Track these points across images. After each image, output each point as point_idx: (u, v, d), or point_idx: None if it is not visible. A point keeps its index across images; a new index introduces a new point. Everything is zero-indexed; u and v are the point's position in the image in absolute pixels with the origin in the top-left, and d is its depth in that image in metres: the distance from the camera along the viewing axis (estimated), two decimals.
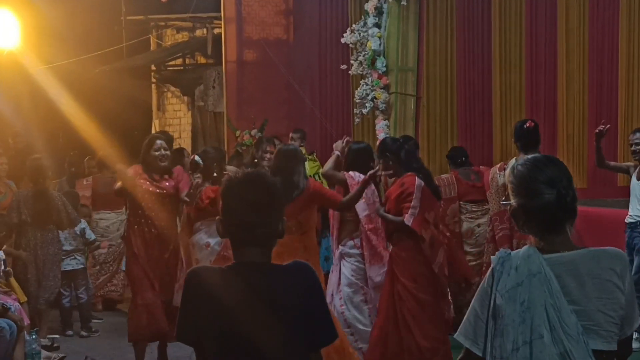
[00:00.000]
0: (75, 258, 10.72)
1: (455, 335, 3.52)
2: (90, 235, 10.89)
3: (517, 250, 3.39)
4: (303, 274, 3.47)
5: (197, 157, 8.45)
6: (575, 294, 3.25)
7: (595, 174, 12.25)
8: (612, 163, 9.88)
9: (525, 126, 8.65)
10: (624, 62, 12.60)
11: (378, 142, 9.50)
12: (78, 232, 10.69)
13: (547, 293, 3.23)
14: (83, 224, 10.81)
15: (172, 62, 19.63)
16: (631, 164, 9.44)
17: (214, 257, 8.11)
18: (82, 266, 10.83)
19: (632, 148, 9.29)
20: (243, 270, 3.39)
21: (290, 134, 11.72)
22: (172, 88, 19.64)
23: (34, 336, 8.54)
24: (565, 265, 3.28)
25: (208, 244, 8.25)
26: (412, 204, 7.89)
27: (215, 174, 8.34)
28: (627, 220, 9.23)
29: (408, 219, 7.85)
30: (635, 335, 7.38)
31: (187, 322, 3.42)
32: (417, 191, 7.92)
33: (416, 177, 8.00)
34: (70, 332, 10.64)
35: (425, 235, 7.92)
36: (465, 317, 3.49)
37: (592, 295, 3.25)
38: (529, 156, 3.58)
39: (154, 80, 19.94)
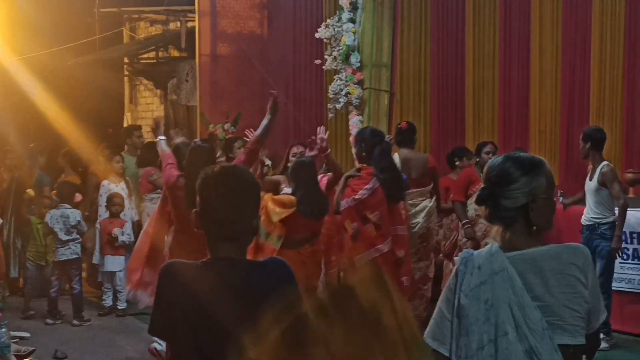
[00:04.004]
0: (69, 248, 10.72)
1: (422, 338, 3.52)
2: (84, 226, 10.90)
3: (480, 250, 3.42)
4: (279, 270, 3.46)
5: None
6: (538, 290, 3.27)
7: (567, 171, 12.30)
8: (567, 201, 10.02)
9: (399, 126, 10.23)
10: (596, 59, 12.65)
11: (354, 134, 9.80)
12: (74, 223, 10.70)
13: (511, 290, 3.25)
14: (78, 215, 10.82)
15: (145, 55, 19.56)
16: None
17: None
18: (76, 256, 10.81)
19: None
20: (218, 265, 3.38)
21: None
22: (145, 81, 19.57)
23: (3, 329, 8.50)
24: (527, 262, 3.30)
25: None
26: (356, 196, 8.48)
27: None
28: (584, 222, 9.29)
29: (343, 204, 8.45)
30: (601, 335, 7.48)
31: (161, 316, 3.40)
32: (365, 190, 8.47)
33: (374, 178, 8.49)
34: (50, 321, 10.69)
35: (350, 227, 8.26)
36: (431, 318, 3.51)
37: (556, 291, 3.27)
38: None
39: (126, 72, 19.86)
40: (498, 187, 3.38)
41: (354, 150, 9.31)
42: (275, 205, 7.93)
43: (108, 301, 11.20)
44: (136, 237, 10.10)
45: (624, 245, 9.63)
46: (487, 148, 10.30)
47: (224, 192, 3.37)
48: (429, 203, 9.71)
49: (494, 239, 3.45)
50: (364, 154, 8.84)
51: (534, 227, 3.37)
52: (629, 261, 9.70)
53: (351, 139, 11.41)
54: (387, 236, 8.69)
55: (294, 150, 8.84)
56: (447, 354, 3.39)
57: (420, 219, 9.58)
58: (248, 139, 8.02)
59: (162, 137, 8.48)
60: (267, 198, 7.94)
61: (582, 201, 9.52)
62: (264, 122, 7.50)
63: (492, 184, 3.41)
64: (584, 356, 3.42)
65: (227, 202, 3.36)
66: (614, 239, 8.96)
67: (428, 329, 3.48)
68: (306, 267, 7.91)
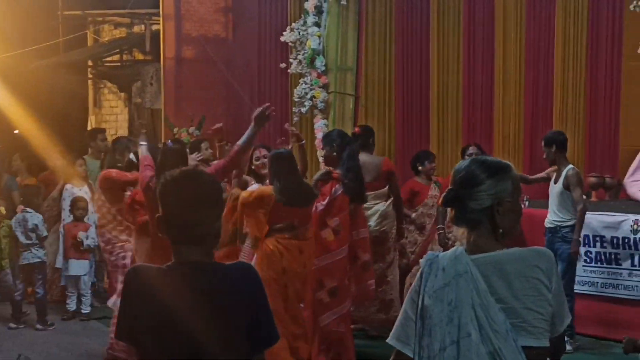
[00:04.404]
0: (31, 252, 10.67)
1: (387, 340, 3.53)
2: (43, 231, 10.83)
3: (445, 252, 3.43)
4: (246, 274, 3.43)
5: (131, 156, 8.38)
6: (502, 293, 3.28)
7: (531, 174, 12.37)
8: (533, 177, 9.99)
9: (353, 132, 10.04)
10: (560, 64, 12.76)
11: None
12: (31, 227, 10.64)
13: (475, 292, 3.26)
14: (37, 219, 10.75)
15: (110, 58, 19.48)
16: (551, 169, 9.57)
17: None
18: (38, 260, 10.75)
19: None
20: (183, 269, 3.35)
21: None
22: (109, 84, 19.49)
23: None
24: (492, 264, 3.31)
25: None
26: (324, 201, 8.47)
27: None
28: (546, 225, 9.37)
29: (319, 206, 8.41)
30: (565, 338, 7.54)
31: (126, 320, 3.38)
32: (330, 197, 8.45)
33: (337, 185, 8.50)
34: (13, 325, 10.64)
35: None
36: (397, 320, 3.52)
37: (520, 293, 3.28)
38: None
39: (90, 75, 19.76)
40: (464, 189, 3.41)
41: (320, 153, 9.32)
42: (254, 219, 7.94)
43: (72, 305, 11.12)
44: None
45: (587, 248, 9.73)
46: (470, 150, 10.39)
47: (185, 196, 3.35)
48: (382, 207, 9.70)
49: (459, 241, 3.47)
50: (334, 154, 8.82)
51: (500, 231, 3.40)
52: (592, 264, 9.78)
53: (317, 142, 11.44)
54: (344, 242, 8.66)
55: (257, 153, 8.81)
56: (411, 355, 3.40)
57: (372, 222, 9.59)
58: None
59: (144, 143, 8.46)
60: (248, 200, 7.93)
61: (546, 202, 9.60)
62: (248, 131, 7.41)
63: (458, 185, 3.43)
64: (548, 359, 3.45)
65: (188, 206, 3.34)
66: (573, 243, 9.03)
67: (393, 330, 3.50)
68: (286, 257, 7.90)
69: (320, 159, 10.04)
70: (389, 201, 9.81)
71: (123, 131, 18.66)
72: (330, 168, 8.77)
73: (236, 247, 8.12)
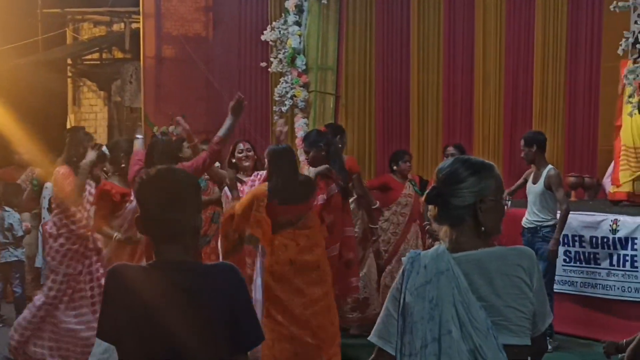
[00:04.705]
0: (8, 250, 10.64)
1: (369, 337, 3.54)
2: (19, 231, 10.78)
3: (427, 250, 3.45)
4: (228, 274, 3.42)
5: (104, 148, 8.34)
6: (483, 291, 3.30)
7: (510, 175, 12.41)
8: (511, 188, 9.96)
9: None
10: (539, 65, 12.82)
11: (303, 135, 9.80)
12: (7, 226, 10.61)
13: (456, 290, 3.27)
14: (13, 218, 10.71)
15: (89, 57, 19.39)
16: (528, 172, 9.61)
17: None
18: (15, 259, 10.73)
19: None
20: (163, 268, 3.35)
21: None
22: (89, 82, 19.40)
23: None
24: (473, 263, 3.33)
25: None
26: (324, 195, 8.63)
27: (123, 165, 8.26)
28: (525, 224, 9.41)
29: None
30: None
31: (108, 320, 3.38)
32: (327, 193, 8.63)
33: (333, 184, 8.71)
34: None
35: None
36: (378, 318, 3.53)
37: (501, 292, 3.30)
38: None
39: (70, 74, 19.67)
40: (447, 187, 3.43)
41: (300, 152, 9.32)
42: (255, 222, 7.90)
43: None
44: None
45: (566, 248, 9.78)
46: (449, 150, 10.42)
47: (160, 194, 3.35)
48: None
49: (442, 239, 3.49)
50: (323, 153, 8.86)
51: (482, 229, 3.42)
52: (571, 264, 9.83)
53: (297, 141, 11.43)
54: (336, 240, 8.71)
55: (240, 146, 8.78)
56: (392, 353, 3.41)
57: None
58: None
59: (140, 136, 8.44)
60: (243, 204, 7.92)
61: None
62: (227, 122, 7.39)
63: (442, 183, 3.45)
64: (529, 358, 3.46)
65: (164, 204, 3.34)
66: (552, 242, 9.06)
67: (375, 327, 3.51)
68: (291, 248, 7.89)
69: (301, 158, 10.03)
70: (353, 199, 9.86)
71: (102, 130, 18.61)
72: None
73: (241, 256, 8.09)
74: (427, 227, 10.08)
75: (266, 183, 7.93)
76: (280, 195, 7.78)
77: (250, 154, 8.66)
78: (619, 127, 10.84)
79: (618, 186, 10.81)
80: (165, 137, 8.13)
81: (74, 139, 8.64)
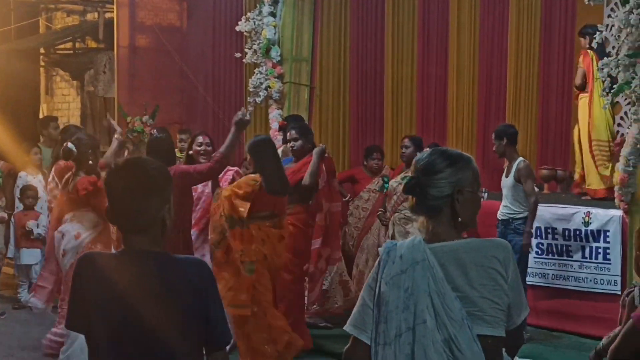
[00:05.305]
0: None
1: (344, 327, 3.54)
2: None
3: (404, 240, 3.46)
4: (199, 268, 3.42)
5: (70, 145, 8.28)
6: (458, 281, 3.33)
7: (484, 168, 12.43)
8: None
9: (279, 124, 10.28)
10: (513, 57, 12.84)
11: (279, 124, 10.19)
12: None
13: (431, 280, 3.29)
14: None
15: (62, 46, 19.27)
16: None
17: (82, 249, 7.96)
18: None
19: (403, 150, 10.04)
20: (132, 257, 3.35)
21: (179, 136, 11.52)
22: (62, 72, 19.29)
23: None
24: (449, 253, 3.36)
25: (79, 234, 8.13)
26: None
27: (90, 162, 8.22)
28: (499, 217, 9.45)
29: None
30: None
31: (77, 309, 3.37)
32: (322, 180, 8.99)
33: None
34: None
35: None
36: (354, 308, 3.53)
37: (476, 283, 3.33)
38: None
39: (42, 63, 19.54)
40: (425, 177, 3.46)
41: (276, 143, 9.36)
42: (238, 199, 7.88)
43: (24, 294, 11.02)
44: None
45: (539, 240, 9.83)
46: (404, 142, 10.46)
47: (127, 183, 3.34)
48: None
49: (418, 230, 3.51)
50: (309, 145, 8.99)
51: (459, 219, 3.44)
52: (544, 256, 9.87)
53: (272, 132, 11.43)
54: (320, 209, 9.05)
55: (200, 139, 8.76)
56: (368, 342, 3.42)
57: None
58: None
59: (118, 137, 8.42)
60: (229, 194, 7.90)
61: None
62: (229, 137, 7.51)
63: (420, 173, 3.49)
64: (504, 350, 3.48)
65: (130, 194, 3.33)
66: (524, 235, 9.12)
67: (350, 317, 3.52)
68: (267, 245, 7.93)
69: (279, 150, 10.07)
70: None
71: (75, 119, 18.51)
72: None
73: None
74: (379, 212, 10.16)
75: (255, 175, 7.95)
76: (272, 185, 7.81)
77: (209, 148, 8.58)
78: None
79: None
80: (162, 133, 8.12)
81: (68, 136, 8.64)
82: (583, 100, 10.62)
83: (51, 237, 8.49)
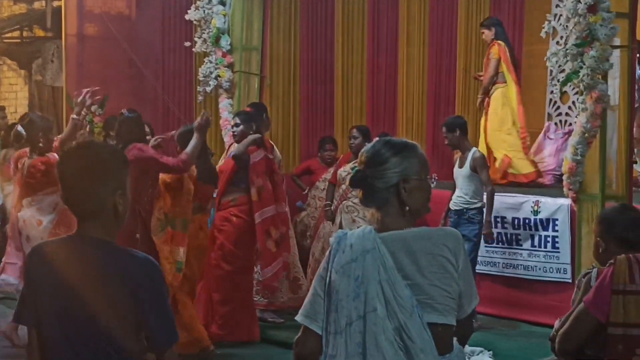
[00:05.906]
0: None
1: (295, 317, 3.54)
2: None
3: (354, 230, 3.46)
4: (143, 267, 3.33)
5: (19, 128, 8.18)
6: (409, 270, 3.34)
7: (434, 157, 12.49)
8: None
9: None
10: (462, 47, 12.91)
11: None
12: None
13: (382, 268, 3.30)
14: None
15: (9, 34, 19.04)
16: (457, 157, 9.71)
17: (47, 234, 7.88)
18: None
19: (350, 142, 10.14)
20: (77, 243, 3.31)
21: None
22: (9, 61, 19.06)
23: None
24: (399, 242, 3.37)
25: (40, 221, 8.05)
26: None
27: (41, 144, 8.14)
28: (452, 207, 9.52)
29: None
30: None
31: (27, 301, 3.34)
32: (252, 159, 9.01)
33: (260, 150, 9.06)
34: None
35: None
36: (306, 298, 3.54)
37: (426, 271, 3.34)
38: None
39: None
40: (370, 168, 3.47)
41: (225, 133, 9.36)
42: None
43: None
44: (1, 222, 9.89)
45: None
46: (352, 132, 10.47)
47: (78, 166, 3.29)
48: None
49: (369, 222, 3.51)
50: (251, 133, 9.05)
51: (407, 208, 3.44)
52: (494, 245, 9.93)
53: (222, 121, 11.39)
54: (265, 205, 8.97)
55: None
56: (319, 332, 3.42)
57: None
58: None
59: (76, 117, 8.34)
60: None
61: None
62: (192, 141, 7.55)
63: (365, 165, 3.49)
64: (455, 339, 3.50)
65: (80, 177, 3.28)
66: (485, 225, 9.23)
67: (302, 307, 3.52)
68: (202, 233, 7.98)
69: (226, 139, 10.03)
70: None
71: (23, 109, 18.27)
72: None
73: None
74: (327, 209, 10.12)
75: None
76: (206, 173, 7.82)
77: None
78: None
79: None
80: (132, 113, 8.05)
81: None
82: (501, 89, 10.86)
83: (14, 216, 8.38)
